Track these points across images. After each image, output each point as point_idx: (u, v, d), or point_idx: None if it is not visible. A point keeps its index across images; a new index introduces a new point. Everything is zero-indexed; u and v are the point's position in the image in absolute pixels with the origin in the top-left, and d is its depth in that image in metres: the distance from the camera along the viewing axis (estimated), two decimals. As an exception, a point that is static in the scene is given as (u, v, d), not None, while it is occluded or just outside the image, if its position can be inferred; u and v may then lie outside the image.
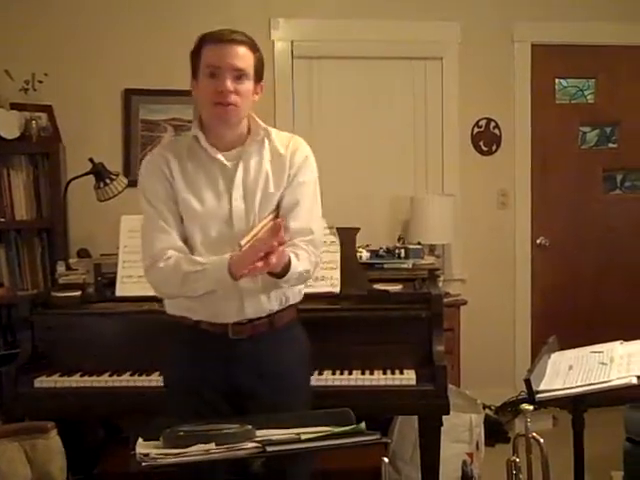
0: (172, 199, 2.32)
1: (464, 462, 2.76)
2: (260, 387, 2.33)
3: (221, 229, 2.31)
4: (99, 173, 3.86)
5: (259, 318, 2.35)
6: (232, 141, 2.35)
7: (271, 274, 2.21)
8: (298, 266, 2.26)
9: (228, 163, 2.34)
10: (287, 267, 2.22)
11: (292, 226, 2.32)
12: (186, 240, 2.33)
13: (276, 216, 2.32)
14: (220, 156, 2.34)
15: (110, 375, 3.01)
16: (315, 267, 2.37)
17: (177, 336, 2.42)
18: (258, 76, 2.34)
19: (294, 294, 2.44)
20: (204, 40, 2.31)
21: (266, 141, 2.38)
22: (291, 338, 2.44)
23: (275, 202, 2.35)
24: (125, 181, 3.93)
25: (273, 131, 2.41)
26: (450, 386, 2.96)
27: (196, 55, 2.32)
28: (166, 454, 1.72)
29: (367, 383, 2.91)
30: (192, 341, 2.37)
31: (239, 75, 2.27)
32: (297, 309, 2.48)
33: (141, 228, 2.38)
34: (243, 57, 2.28)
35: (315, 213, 2.41)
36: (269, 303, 2.36)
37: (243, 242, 2.17)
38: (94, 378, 3.00)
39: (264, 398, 2.32)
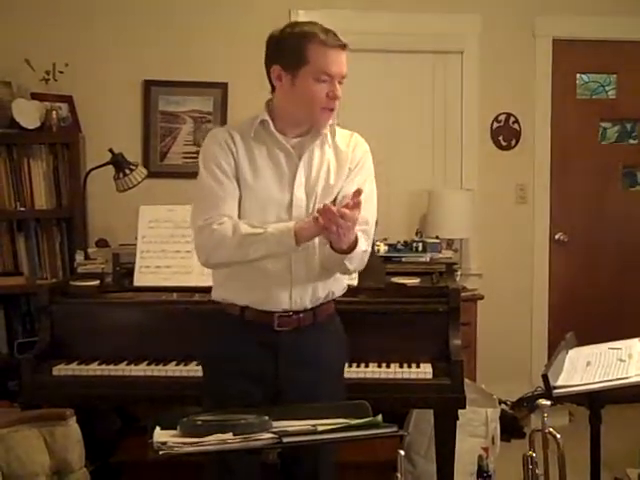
0: (233, 174, 2.32)
1: (480, 456, 2.76)
2: (299, 376, 2.36)
3: (279, 215, 2.32)
4: (119, 163, 3.87)
5: (304, 310, 2.38)
6: (300, 131, 2.38)
7: (337, 250, 2.23)
8: (362, 245, 2.29)
9: (294, 151, 2.36)
10: (353, 245, 2.24)
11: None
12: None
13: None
14: (288, 144, 2.36)
15: (127, 364, 3.03)
16: (367, 256, 2.40)
17: (221, 324, 2.44)
18: None
19: (339, 289, 2.49)
20: (309, 39, 2.26)
21: (329, 135, 2.41)
22: (331, 329, 2.49)
23: (335, 194, 2.39)
24: (144, 172, 3.94)
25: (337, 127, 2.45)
26: (466, 380, 2.96)
27: (296, 51, 2.26)
28: (183, 443, 1.73)
29: (383, 376, 2.91)
30: (236, 330, 2.39)
31: (341, 80, 2.31)
32: (335, 301, 2.51)
33: (195, 192, 2.37)
34: (345, 63, 2.31)
35: (371, 206, 2.43)
36: (316, 294, 2.39)
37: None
38: (112, 367, 3.02)
39: (302, 387, 2.34)
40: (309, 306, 2.38)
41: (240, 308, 2.37)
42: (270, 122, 2.35)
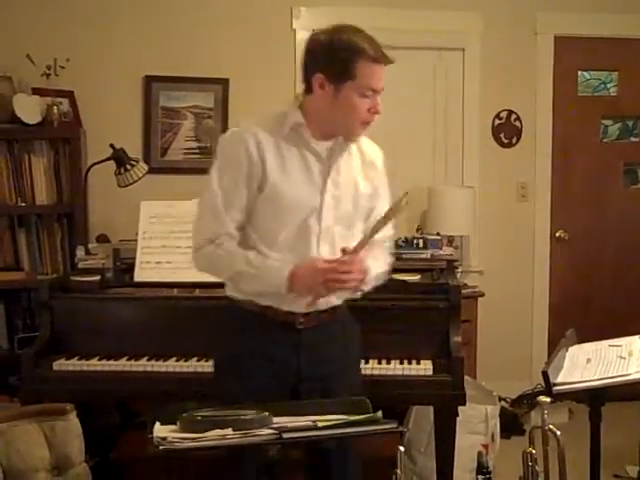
0: (246, 184, 2.27)
1: (479, 453, 2.75)
2: (321, 372, 2.35)
3: (307, 220, 2.29)
4: (120, 159, 3.87)
5: (325, 310, 2.37)
6: (329, 135, 2.33)
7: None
8: (377, 268, 2.38)
9: (324, 154, 2.32)
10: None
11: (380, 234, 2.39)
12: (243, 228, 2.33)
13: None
14: (320, 149, 2.32)
15: (128, 359, 3.03)
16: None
17: (240, 321, 2.38)
18: None
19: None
20: (360, 54, 2.23)
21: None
22: (348, 324, 2.49)
23: (364, 202, 2.42)
24: (145, 167, 3.94)
25: None
26: (466, 377, 2.96)
27: (345, 65, 2.22)
28: (183, 438, 1.73)
29: (384, 372, 2.92)
30: (257, 328, 2.35)
31: (381, 93, 2.32)
32: None
33: (203, 195, 2.33)
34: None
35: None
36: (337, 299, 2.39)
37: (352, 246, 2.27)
38: (112, 362, 3.02)
39: (323, 383, 2.34)
40: (331, 306, 2.37)
41: (261, 307, 2.34)
42: (305, 127, 2.30)
